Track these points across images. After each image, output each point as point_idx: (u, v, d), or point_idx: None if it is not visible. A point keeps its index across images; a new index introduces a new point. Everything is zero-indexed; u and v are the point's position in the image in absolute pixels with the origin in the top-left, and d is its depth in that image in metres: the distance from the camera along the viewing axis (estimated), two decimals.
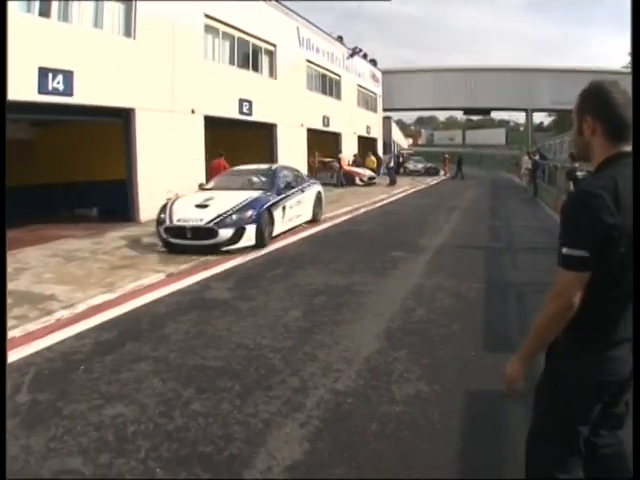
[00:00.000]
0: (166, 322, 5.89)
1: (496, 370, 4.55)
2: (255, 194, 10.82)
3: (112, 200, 13.87)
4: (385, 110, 41.31)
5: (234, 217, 9.78)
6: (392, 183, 28.44)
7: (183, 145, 14.75)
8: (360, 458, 3.34)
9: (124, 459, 3.38)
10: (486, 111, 55.19)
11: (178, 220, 9.69)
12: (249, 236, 9.87)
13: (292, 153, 21.57)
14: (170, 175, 13.77)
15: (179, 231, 9.66)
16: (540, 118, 65.84)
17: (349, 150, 29.91)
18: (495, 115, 66.06)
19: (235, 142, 19.15)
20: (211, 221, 9.60)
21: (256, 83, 18.69)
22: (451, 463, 3.34)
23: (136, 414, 3.91)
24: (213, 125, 16.19)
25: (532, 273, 8.52)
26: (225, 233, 9.58)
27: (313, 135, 24.63)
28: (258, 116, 18.89)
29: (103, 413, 3.92)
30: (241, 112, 17.92)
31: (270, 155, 20.54)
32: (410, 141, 59.05)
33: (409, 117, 76.92)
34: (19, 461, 3.28)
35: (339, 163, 26.06)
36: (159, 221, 9.97)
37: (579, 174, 10.68)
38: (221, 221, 9.64)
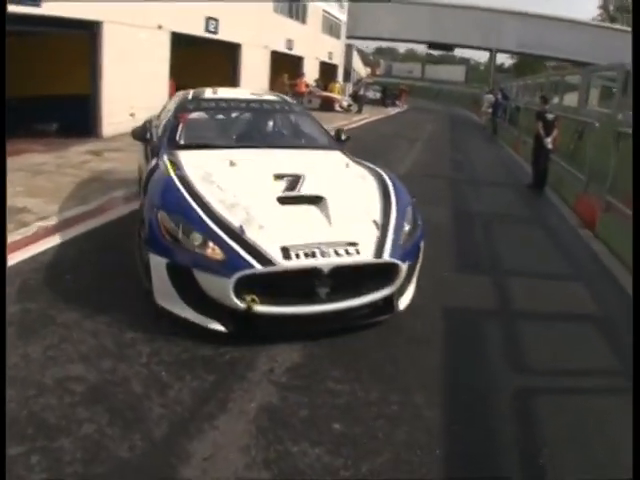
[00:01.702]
0: None
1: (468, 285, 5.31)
2: (336, 156, 5.78)
3: (72, 115, 13.39)
4: (348, 37, 40.61)
5: (406, 229, 4.44)
6: (359, 111, 28.48)
7: (149, 62, 14.27)
8: None
9: (126, 364, 3.50)
10: (450, 47, 54.60)
11: (289, 253, 3.84)
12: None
13: (255, 75, 21.25)
14: (134, 92, 13.36)
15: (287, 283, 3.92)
16: (502, 59, 65.53)
17: (311, 75, 29.46)
18: (457, 52, 65.66)
19: (199, 61, 18.71)
20: (382, 246, 4.10)
21: (223, 2, 18.12)
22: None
23: (132, 320, 4.03)
24: (178, 43, 15.72)
25: (494, 205, 8.86)
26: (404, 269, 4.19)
27: (276, 57, 24.18)
28: (224, 35, 18.37)
29: (98, 320, 4.01)
30: (207, 30, 17.35)
31: (233, 76, 20.14)
32: (369, 70, 58.22)
33: (369, 46, 75.84)
34: (20, 369, 3.33)
35: (297, 86, 25.41)
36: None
37: (549, 116, 10.86)
38: (396, 244, 4.20)
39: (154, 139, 5.96)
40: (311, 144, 6.15)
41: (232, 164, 4.91)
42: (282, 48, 25.09)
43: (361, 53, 55.46)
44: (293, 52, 26.73)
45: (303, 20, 28.72)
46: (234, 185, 4.48)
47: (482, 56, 68.16)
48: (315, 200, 4.42)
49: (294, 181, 4.66)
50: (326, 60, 34.13)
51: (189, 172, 4.63)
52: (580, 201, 9.17)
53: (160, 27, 14.62)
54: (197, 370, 3.50)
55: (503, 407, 3.39)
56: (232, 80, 19.43)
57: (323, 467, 2.76)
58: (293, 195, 4.49)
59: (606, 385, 3.80)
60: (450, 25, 44.46)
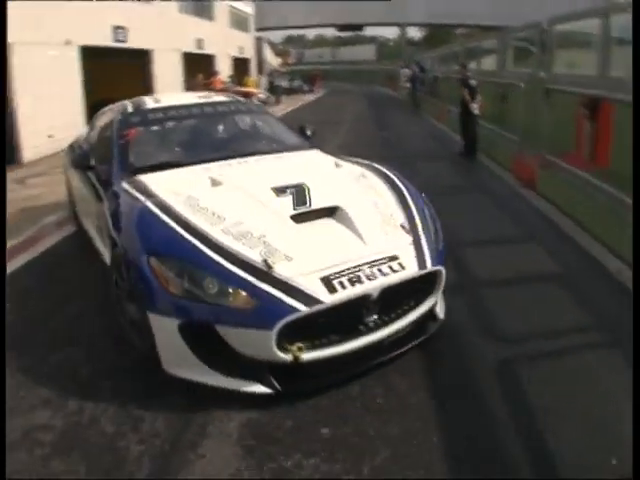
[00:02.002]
0: None
1: None
2: (319, 156, 5.18)
3: None
4: (258, 30, 40.29)
5: (432, 227, 4.00)
6: (277, 102, 28.51)
7: (60, 79, 13.74)
8: None
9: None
10: (359, 27, 54.95)
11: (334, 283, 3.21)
12: None
13: (169, 79, 20.80)
14: (49, 112, 12.83)
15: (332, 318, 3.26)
16: (412, 33, 66.46)
17: (225, 72, 29.09)
18: (368, 32, 66.30)
19: (111, 73, 18.04)
20: (421, 253, 3.65)
21: (130, 9, 17.61)
22: None
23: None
24: (89, 56, 15.21)
25: (433, 178, 8.96)
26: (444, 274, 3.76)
27: (189, 59, 23.74)
28: (133, 43, 17.87)
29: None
30: (116, 40, 16.81)
31: (146, 84, 19.64)
32: (280, 60, 58.09)
33: (278, 37, 75.61)
34: None
35: (213, 84, 25.00)
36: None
37: (472, 82, 11.07)
38: (432, 248, 3.75)
39: (98, 165, 4.86)
40: (285, 146, 5.33)
41: (215, 183, 4.09)
42: (193, 48, 24.64)
43: (271, 44, 55.18)
44: (204, 51, 26.30)
45: (210, 17, 28.28)
46: (231, 209, 3.65)
47: (391, 33, 68.97)
48: (331, 212, 3.78)
49: (299, 193, 3.88)
50: (238, 55, 33.77)
51: (166, 198, 3.77)
52: (517, 162, 9.29)
53: (68, 42, 14.09)
54: None
55: (488, 379, 3.39)
56: (146, 88, 18.88)
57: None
58: (308, 211, 3.75)
59: (583, 342, 3.86)
60: (358, 5, 44.50)
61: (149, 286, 3.19)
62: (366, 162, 4.86)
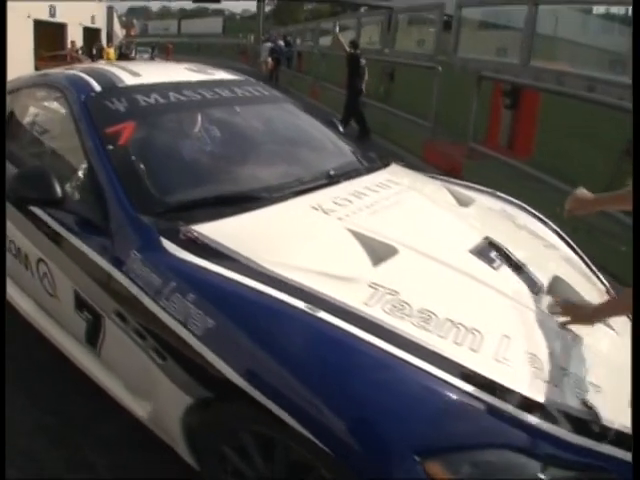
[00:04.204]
0: None
1: None
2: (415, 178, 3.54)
3: None
4: None
5: None
6: None
7: None
8: None
9: None
10: None
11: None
12: None
13: (19, 54, 19.09)
14: None
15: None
16: (253, 8, 65.95)
17: (77, 42, 27.56)
18: (218, 6, 64.80)
19: None
20: None
21: None
22: None
23: None
24: None
25: None
26: None
27: (38, 28, 22.26)
28: None
29: None
30: None
31: None
32: (124, 32, 55.68)
33: (120, 7, 72.03)
34: None
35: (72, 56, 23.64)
36: None
37: (362, 61, 11.06)
38: None
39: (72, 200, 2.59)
40: (359, 163, 3.41)
41: (382, 250, 2.26)
42: (45, 16, 23.08)
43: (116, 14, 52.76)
44: (56, 19, 24.71)
45: None
46: (461, 308, 2.05)
47: (235, 6, 68.18)
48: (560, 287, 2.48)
49: (508, 260, 2.48)
50: (89, 25, 32.04)
51: (337, 296, 1.95)
52: (429, 149, 8.96)
53: None
54: None
55: None
56: None
57: None
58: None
59: None
60: None
61: None
62: (477, 187, 3.58)
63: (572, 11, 8.76)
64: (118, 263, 2.22)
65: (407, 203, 2.89)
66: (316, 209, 2.55)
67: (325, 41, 20.47)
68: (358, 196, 2.77)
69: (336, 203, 2.64)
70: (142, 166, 2.63)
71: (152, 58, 37.90)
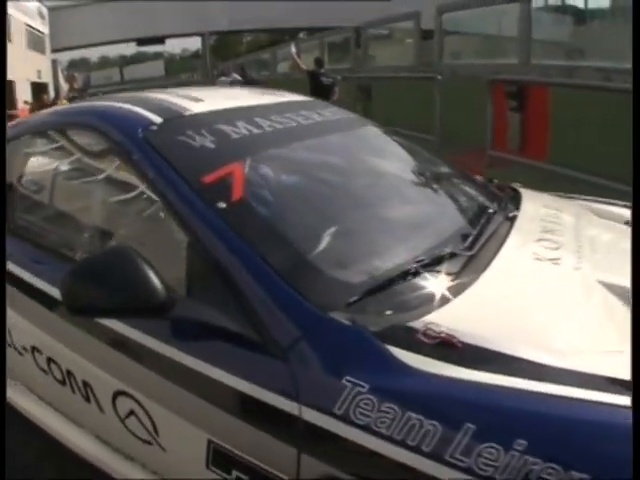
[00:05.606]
0: None
1: None
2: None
3: None
4: (54, 51, 37.95)
5: None
6: None
7: None
8: None
9: None
10: (161, 39, 53.58)
11: None
12: None
13: None
14: None
15: None
16: (197, 45, 66.09)
17: (24, 97, 27.15)
18: (150, 49, 64.78)
19: None
20: None
21: None
22: None
23: None
24: None
25: None
26: None
27: None
28: None
29: None
30: None
31: None
32: (68, 86, 55.24)
33: (64, 60, 71.52)
34: None
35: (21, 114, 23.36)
36: None
37: (324, 80, 10.51)
38: None
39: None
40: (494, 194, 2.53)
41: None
42: None
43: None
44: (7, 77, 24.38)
45: (8, 38, 26.16)
46: None
47: (174, 47, 67.90)
48: None
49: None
50: (37, 80, 31.69)
51: None
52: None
53: None
54: None
55: None
56: None
57: None
58: None
59: None
60: (160, 17, 43.48)
61: None
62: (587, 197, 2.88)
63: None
64: (318, 403, 1.26)
65: (604, 236, 2.24)
66: (540, 260, 1.78)
67: (283, 67, 20.53)
68: (559, 235, 2.01)
69: (549, 248, 1.86)
70: (287, 231, 1.71)
71: None
